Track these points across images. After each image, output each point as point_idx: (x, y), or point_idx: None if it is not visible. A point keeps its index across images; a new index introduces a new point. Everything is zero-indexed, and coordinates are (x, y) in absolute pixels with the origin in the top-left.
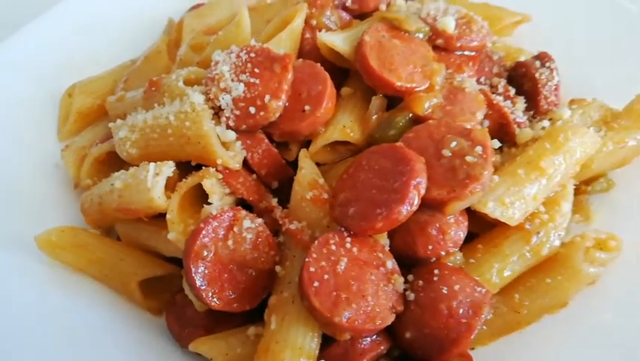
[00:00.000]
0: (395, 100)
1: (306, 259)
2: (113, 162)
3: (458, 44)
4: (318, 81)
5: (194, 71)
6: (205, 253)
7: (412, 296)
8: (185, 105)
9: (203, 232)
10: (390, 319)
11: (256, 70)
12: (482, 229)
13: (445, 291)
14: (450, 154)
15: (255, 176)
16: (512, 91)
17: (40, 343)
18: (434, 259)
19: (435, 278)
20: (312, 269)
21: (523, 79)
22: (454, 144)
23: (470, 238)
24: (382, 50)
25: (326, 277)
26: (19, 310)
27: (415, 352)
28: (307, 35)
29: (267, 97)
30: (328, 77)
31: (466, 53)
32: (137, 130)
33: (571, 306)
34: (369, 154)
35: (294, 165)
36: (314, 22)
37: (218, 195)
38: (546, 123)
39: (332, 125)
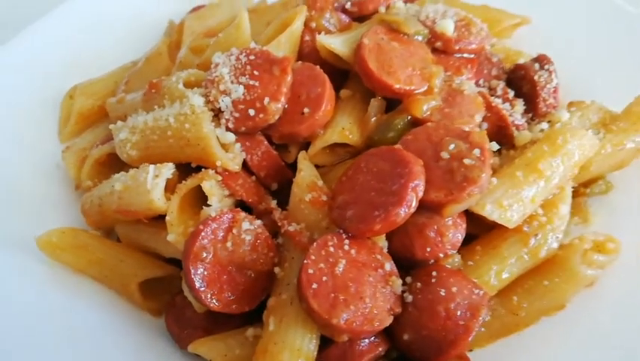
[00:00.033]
0: (394, 102)
1: (305, 261)
2: (113, 164)
3: (457, 47)
4: (317, 84)
5: (194, 73)
6: (204, 255)
7: (409, 298)
8: (185, 107)
9: (202, 234)
10: (388, 321)
11: (255, 72)
12: (481, 230)
13: (442, 293)
14: (448, 156)
15: (254, 178)
16: (511, 93)
17: (40, 343)
18: (432, 261)
19: (433, 280)
20: (310, 271)
21: (522, 81)
22: (452, 146)
23: (470, 240)
24: (381, 53)
25: (324, 278)
26: (19, 310)
27: (413, 354)
28: (307, 38)
29: (267, 99)
30: (327, 80)
31: (464, 55)
32: (138, 132)
33: (570, 308)
34: (367, 156)
35: (293, 166)
36: (313, 24)
37: (217, 197)
38: (545, 126)
39: (331, 127)
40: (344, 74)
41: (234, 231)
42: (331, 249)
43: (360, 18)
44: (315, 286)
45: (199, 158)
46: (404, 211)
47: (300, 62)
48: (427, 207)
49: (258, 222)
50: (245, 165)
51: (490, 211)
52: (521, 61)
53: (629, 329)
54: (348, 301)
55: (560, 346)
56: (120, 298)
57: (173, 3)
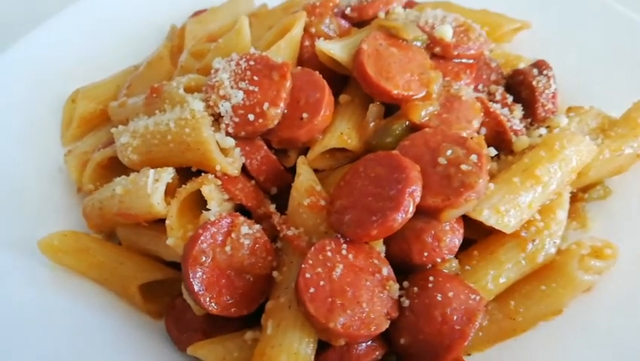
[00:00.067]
0: (392, 107)
1: (302, 266)
2: (114, 167)
3: (455, 52)
4: (317, 89)
5: (195, 78)
6: (203, 259)
7: (406, 303)
8: (185, 112)
9: (202, 238)
10: (385, 325)
11: (255, 78)
12: (479, 235)
13: (439, 298)
14: (445, 162)
15: (253, 182)
16: (510, 98)
17: (41, 344)
18: (430, 265)
19: (429, 285)
20: (307, 275)
21: (520, 86)
22: (449, 152)
23: (467, 245)
24: (380, 58)
25: (322, 283)
26: (20, 311)
27: (410, 358)
28: (306, 43)
29: (266, 104)
30: (326, 85)
31: (463, 60)
32: (139, 136)
33: (567, 313)
34: (365, 161)
35: (292, 171)
36: (313, 30)
37: (216, 201)
38: (543, 131)
39: (330, 132)
40: (343, 79)
41: (233, 235)
42: (329, 253)
43: (359, 23)
44: (312, 290)
45: (199, 162)
46: (401, 217)
47: (299, 68)
48: (425, 213)
49: (257, 226)
50: (244, 170)
51: (487, 217)
52: (521, 66)
53: (627, 334)
54: (345, 306)
55: (557, 350)
56: (121, 300)
57: (176, 7)
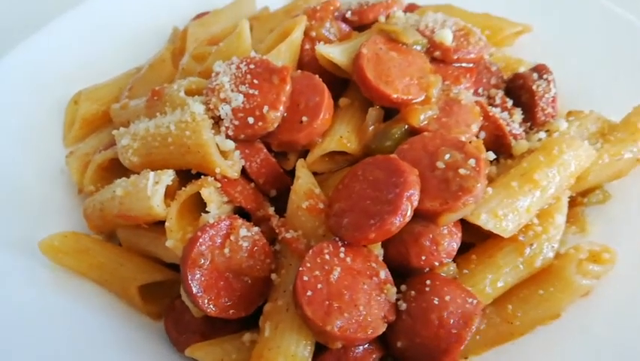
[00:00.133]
0: (392, 111)
1: (300, 268)
2: (115, 169)
3: (455, 56)
4: (316, 93)
5: (195, 81)
6: (202, 261)
7: (404, 306)
8: (186, 115)
9: (200, 240)
10: (382, 328)
11: (255, 81)
12: (477, 239)
13: (436, 301)
14: (444, 166)
15: (253, 185)
16: (510, 102)
17: (41, 345)
18: (428, 269)
19: (427, 289)
20: (305, 278)
21: (520, 90)
22: (447, 156)
23: (466, 249)
24: (379, 62)
25: (319, 286)
26: (20, 311)
27: None
28: (307, 47)
29: (266, 108)
30: (326, 89)
31: (463, 64)
32: (139, 138)
33: (566, 317)
34: (364, 165)
35: (292, 174)
36: (313, 33)
37: (216, 204)
38: (543, 135)
39: (329, 135)
40: (343, 82)
41: (232, 237)
42: (327, 256)
43: (360, 27)
44: (309, 293)
45: (199, 165)
46: (399, 220)
47: (299, 71)
48: (423, 216)
49: (256, 229)
50: (244, 172)
51: (485, 221)
52: (522, 69)
53: (625, 339)
54: (342, 309)
55: (555, 355)
56: (120, 301)
57: (178, 9)
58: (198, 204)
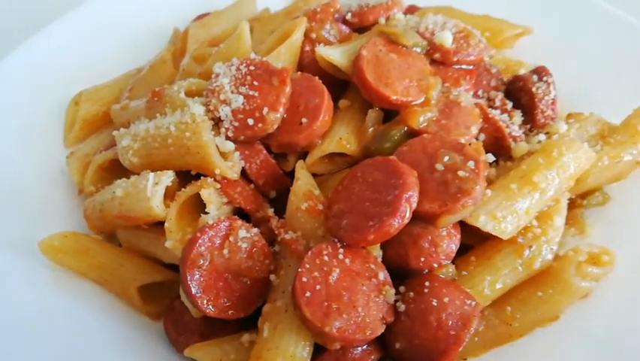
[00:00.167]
0: (391, 113)
1: (299, 269)
2: (116, 170)
3: (455, 58)
4: (316, 94)
5: (196, 82)
6: (201, 262)
7: (402, 307)
8: (186, 116)
9: (200, 241)
10: (381, 329)
11: (255, 83)
12: (476, 241)
13: (434, 303)
14: (443, 168)
15: (252, 186)
16: (509, 104)
17: (40, 345)
18: (426, 271)
19: (425, 290)
20: (304, 279)
21: (520, 93)
22: (447, 158)
23: (465, 250)
24: (379, 64)
25: (318, 287)
26: (20, 311)
27: None
28: (307, 48)
29: (266, 109)
30: (326, 91)
31: (463, 66)
32: (140, 139)
33: (564, 319)
34: (363, 167)
35: (291, 175)
36: (314, 35)
37: (215, 205)
38: (542, 137)
39: (329, 137)
40: (343, 84)
41: (231, 238)
42: (326, 258)
43: (360, 29)
44: (308, 294)
45: (199, 166)
46: (398, 222)
47: (299, 73)
48: (422, 218)
49: (255, 230)
50: (243, 173)
51: (484, 222)
52: (522, 71)
53: (624, 341)
54: (341, 310)
55: (554, 356)
56: (120, 301)
57: (179, 11)
58: (198, 205)
